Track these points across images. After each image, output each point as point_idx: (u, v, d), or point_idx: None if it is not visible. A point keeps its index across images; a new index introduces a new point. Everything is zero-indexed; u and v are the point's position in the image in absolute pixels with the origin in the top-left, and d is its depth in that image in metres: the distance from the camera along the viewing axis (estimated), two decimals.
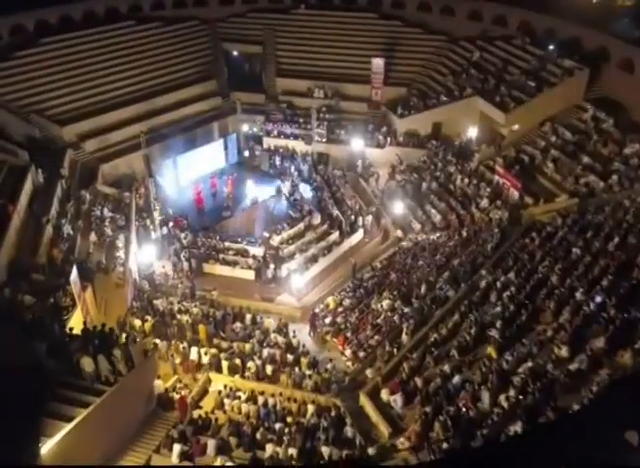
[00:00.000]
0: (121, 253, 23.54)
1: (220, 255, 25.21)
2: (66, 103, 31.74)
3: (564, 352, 14.34)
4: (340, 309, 21.73)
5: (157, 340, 18.45)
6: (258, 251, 25.52)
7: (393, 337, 18.79)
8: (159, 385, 15.88)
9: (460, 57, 34.75)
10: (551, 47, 30.37)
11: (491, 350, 15.66)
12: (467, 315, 18.13)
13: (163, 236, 26.11)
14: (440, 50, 36.04)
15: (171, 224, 26.97)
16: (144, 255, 24.56)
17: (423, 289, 20.81)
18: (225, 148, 33.45)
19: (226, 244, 25.88)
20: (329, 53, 36.65)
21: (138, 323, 19.53)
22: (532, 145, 27.61)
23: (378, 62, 34.00)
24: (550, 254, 19.63)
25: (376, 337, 18.94)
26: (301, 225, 27.16)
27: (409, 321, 18.88)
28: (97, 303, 20.63)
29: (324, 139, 33.37)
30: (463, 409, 13.71)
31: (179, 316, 20.39)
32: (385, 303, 20.81)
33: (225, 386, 16.54)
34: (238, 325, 20.78)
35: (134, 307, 20.66)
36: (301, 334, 21.01)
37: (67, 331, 14.74)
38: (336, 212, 28.22)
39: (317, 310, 21.85)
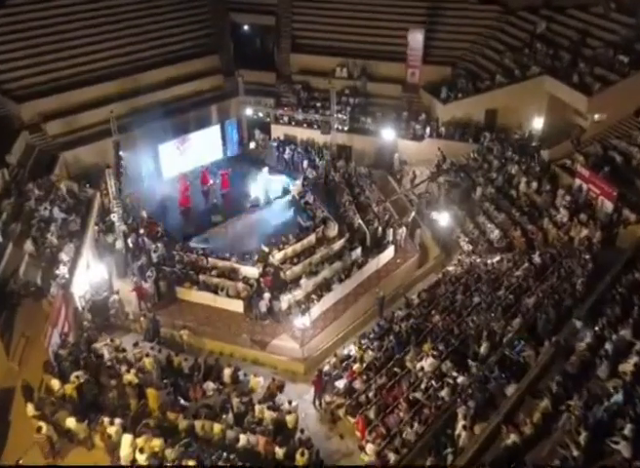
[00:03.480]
0: (64, 270, 17.28)
1: (201, 277, 18.71)
2: (29, 76, 25.61)
3: None
4: (357, 365, 14.97)
5: (72, 419, 11.93)
6: (251, 271, 18.95)
7: (442, 428, 12.02)
8: None
9: (520, 29, 27.96)
10: None
11: None
12: (564, 402, 11.27)
13: (128, 247, 19.68)
14: (494, 22, 29.16)
15: (142, 231, 20.54)
16: (98, 274, 18.21)
17: (485, 346, 13.97)
18: (223, 137, 26.98)
19: (211, 260, 19.36)
20: (355, 25, 30.16)
21: (55, 384, 13.08)
22: (626, 140, 20.62)
23: (415, 36, 27.64)
24: None
25: (415, 426, 12.16)
26: (312, 238, 20.54)
27: (467, 402, 12.07)
28: (9, 348, 14.31)
29: (346, 128, 26.88)
30: None
31: (123, 368, 13.89)
32: (428, 364, 14.06)
33: None
34: (210, 386, 14.29)
35: (60, 356, 14.17)
36: (303, 403, 14.39)
37: None
38: (358, 221, 21.53)
39: (327, 367, 15.16)
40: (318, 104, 28.20)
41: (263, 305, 17.53)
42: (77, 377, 13.07)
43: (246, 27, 32.90)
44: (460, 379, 13.18)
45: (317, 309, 17.64)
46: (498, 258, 18.66)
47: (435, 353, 14.31)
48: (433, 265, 19.96)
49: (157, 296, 18.25)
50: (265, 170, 25.03)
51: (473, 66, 28.10)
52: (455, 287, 17.52)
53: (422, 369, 14.00)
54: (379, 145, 26.34)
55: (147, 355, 14.49)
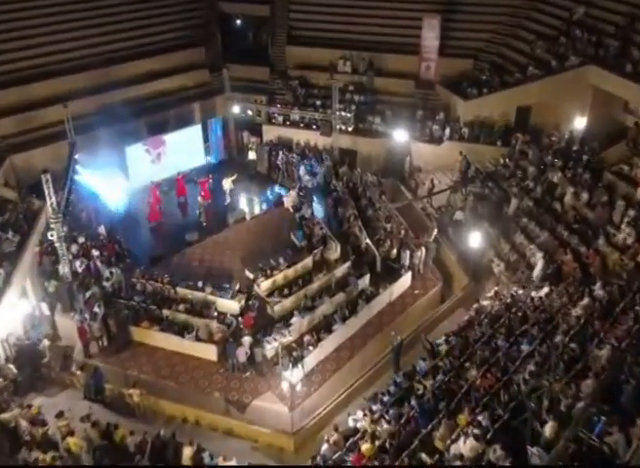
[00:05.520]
0: None
1: (165, 312, 14.62)
2: None
3: None
4: (367, 444, 10.81)
5: None
6: (230, 305, 14.88)
7: None
8: None
9: (552, 16, 24.28)
10: None
11: None
12: None
13: (76, 274, 15.61)
14: (519, 10, 25.53)
15: (96, 253, 16.50)
16: (33, 309, 14.15)
17: (550, 425, 9.77)
18: (206, 140, 23.13)
19: (180, 290, 15.30)
20: (360, 14, 26.77)
21: None
22: None
23: (431, 25, 24.28)
24: None
25: None
26: (308, 261, 16.49)
27: None
28: None
29: (350, 128, 23.21)
30: None
31: (36, 455, 9.76)
32: (468, 448, 9.89)
33: None
34: None
35: None
36: None
37: None
38: (365, 240, 17.51)
39: (325, 447, 10.99)
40: (317, 102, 24.65)
41: (242, 353, 13.40)
42: None
43: (239, 23, 29.49)
44: None
45: (313, 357, 13.54)
46: (546, 291, 14.53)
47: (477, 431, 10.15)
48: (461, 298, 15.85)
49: (107, 339, 14.15)
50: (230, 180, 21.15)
51: (498, 59, 24.46)
52: (493, 329, 13.39)
53: (462, 456, 9.84)
54: (389, 149, 22.65)
55: (73, 433, 10.32)
